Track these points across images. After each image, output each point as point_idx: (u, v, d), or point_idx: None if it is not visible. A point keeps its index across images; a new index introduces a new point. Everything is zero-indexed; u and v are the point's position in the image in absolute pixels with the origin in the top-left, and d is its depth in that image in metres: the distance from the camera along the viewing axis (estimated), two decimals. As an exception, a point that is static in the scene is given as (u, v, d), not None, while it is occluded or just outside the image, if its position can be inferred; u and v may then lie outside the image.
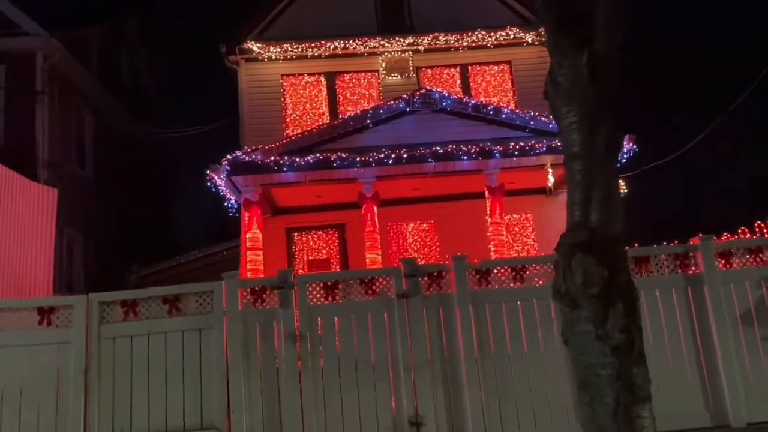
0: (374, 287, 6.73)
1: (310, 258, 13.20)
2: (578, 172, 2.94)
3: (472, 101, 11.45)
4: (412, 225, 13.57)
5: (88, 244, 15.67)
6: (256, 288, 6.71)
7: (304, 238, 13.36)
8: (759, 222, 7.87)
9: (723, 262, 7.08)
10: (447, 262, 6.84)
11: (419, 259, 12.73)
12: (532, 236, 13.57)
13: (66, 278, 14.52)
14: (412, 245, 13.51)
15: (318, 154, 10.44)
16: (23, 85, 13.77)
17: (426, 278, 6.76)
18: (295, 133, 13.25)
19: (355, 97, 14.04)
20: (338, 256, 13.26)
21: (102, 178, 17.03)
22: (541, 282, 6.75)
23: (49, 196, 9.55)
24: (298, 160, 10.27)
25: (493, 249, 10.91)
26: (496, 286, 6.78)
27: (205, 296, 6.67)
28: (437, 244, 13.35)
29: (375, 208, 10.55)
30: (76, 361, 6.39)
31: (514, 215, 13.23)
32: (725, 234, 7.65)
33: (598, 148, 2.90)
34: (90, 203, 15.68)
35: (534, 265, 6.90)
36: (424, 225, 13.55)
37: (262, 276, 9.79)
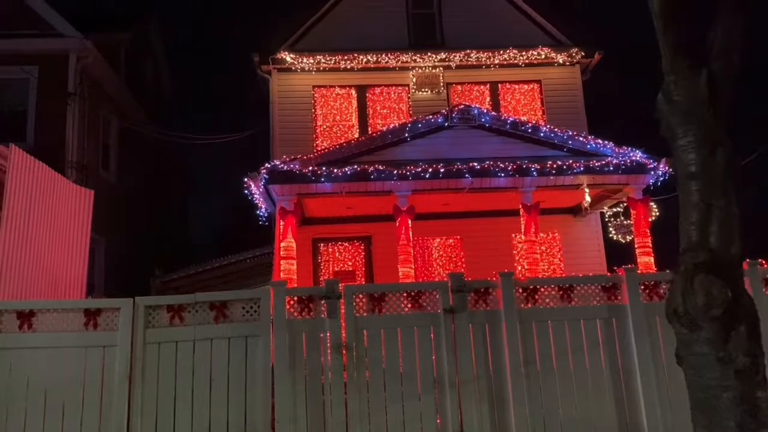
0: (420, 301, 6.69)
1: (336, 269, 13.17)
2: (696, 192, 2.92)
3: (511, 118, 11.47)
4: (438, 240, 13.55)
5: (109, 248, 15.67)
6: (303, 297, 6.67)
7: (330, 249, 13.34)
8: None
9: (770, 288, 7.02)
10: (494, 279, 6.79)
11: (444, 275, 12.76)
12: (559, 255, 13.53)
13: (88, 281, 14.51)
14: (438, 260, 13.48)
15: (356, 166, 10.45)
16: (55, 86, 13.87)
17: (473, 294, 6.71)
18: (325, 144, 13.30)
19: (385, 111, 14.09)
20: (363, 269, 13.23)
21: (124, 181, 17.09)
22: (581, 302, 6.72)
23: (86, 198, 9.54)
24: (336, 171, 10.28)
25: (526, 267, 10.87)
26: (543, 305, 6.75)
27: (252, 303, 6.61)
28: (463, 260, 13.32)
29: (410, 222, 10.52)
30: (120, 365, 6.32)
31: (541, 234, 13.20)
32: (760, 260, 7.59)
33: (717, 169, 2.88)
34: (112, 207, 15.70)
35: (581, 285, 6.86)
36: (451, 240, 13.53)
37: (296, 285, 9.76)
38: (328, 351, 6.45)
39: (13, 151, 7.66)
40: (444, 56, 14.18)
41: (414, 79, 14.21)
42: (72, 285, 9.10)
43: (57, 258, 8.77)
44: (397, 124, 11.83)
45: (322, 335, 6.49)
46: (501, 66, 14.35)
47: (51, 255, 8.62)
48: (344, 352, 6.43)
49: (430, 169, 10.48)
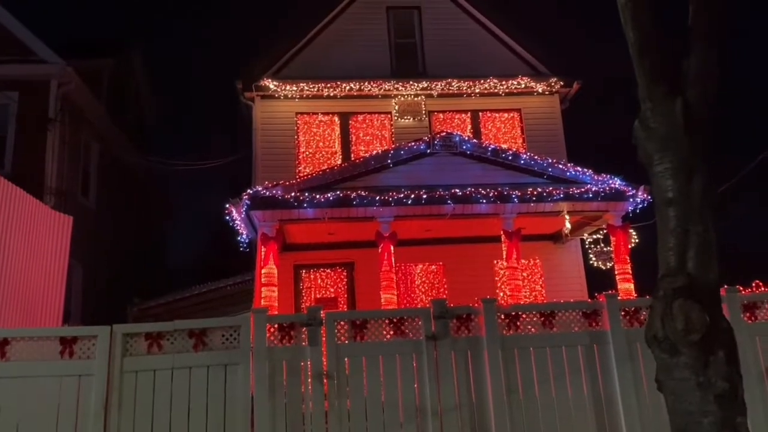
0: (403, 327, 6.64)
1: (318, 296, 13.09)
2: (673, 218, 2.96)
3: (492, 146, 11.60)
4: (421, 266, 13.55)
5: (87, 275, 15.43)
6: (284, 324, 6.59)
7: (312, 276, 13.26)
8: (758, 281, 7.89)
9: (748, 314, 7.10)
10: (476, 305, 6.78)
11: (427, 301, 12.73)
12: (540, 282, 13.59)
13: (64, 309, 14.24)
14: (420, 287, 13.46)
15: (338, 192, 10.46)
16: (36, 112, 13.78)
17: (455, 320, 6.68)
18: (307, 170, 13.32)
19: (367, 138, 14.18)
20: (346, 295, 13.16)
21: (103, 208, 16.92)
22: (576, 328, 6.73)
23: (65, 224, 9.42)
24: (318, 197, 10.28)
25: (508, 293, 10.89)
26: (525, 331, 6.74)
27: (232, 331, 6.52)
28: (445, 286, 13.31)
29: (392, 248, 10.52)
30: (97, 395, 6.17)
31: (523, 260, 13.24)
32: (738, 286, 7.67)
33: (694, 195, 2.93)
34: (91, 233, 15.50)
35: (563, 312, 6.86)
36: (433, 267, 13.53)
37: (277, 312, 9.66)
38: (309, 379, 6.37)
39: (-11, 176, 7.56)
40: (426, 85, 14.35)
41: (396, 107, 14.35)
42: (48, 312, 8.93)
43: (33, 285, 8.62)
44: (379, 151, 11.91)
45: (302, 363, 6.40)
46: (482, 95, 14.55)
47: (27, 281, 8.46)
48: (325, 380, 6.35)
49: (413, 196, 10.53)
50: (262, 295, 10.07)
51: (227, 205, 10.74)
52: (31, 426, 6.06)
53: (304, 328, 6.51)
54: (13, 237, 8.14)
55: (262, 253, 10.24)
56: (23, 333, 6.55)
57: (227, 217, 11.14)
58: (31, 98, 13.83)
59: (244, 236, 12.31)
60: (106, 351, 6.31)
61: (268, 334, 6.47)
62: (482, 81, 14.43)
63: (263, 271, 10.21)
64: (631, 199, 11.31)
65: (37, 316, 8.64)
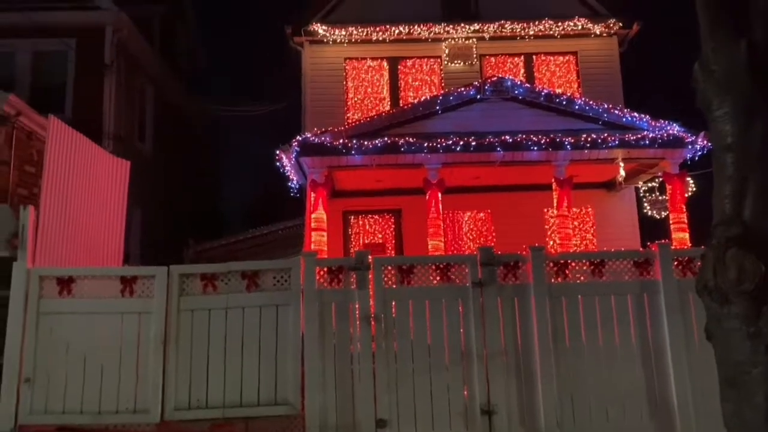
0: (449, 274, 6.70)
1: (366, 242, 13.25)
2: (731, 165, 2.84)
3: (545, 90, 11.26)
4: (469, 214, 13.49)
5: (145, 219, 15.99)
6: (333, 268, 6.75)
7: (360, 222, 13.41)
8: None
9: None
10: (523, 253, 6.76)
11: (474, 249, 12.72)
12: (592, 231, 13.36)
13: (124, 250, 14.83)
14: (468, 234, 13.43)
15: (386, 138, 10.42)
16: (92, 58, 14.10)
17: (502, 268, 6.69)
18: (356, 116, 13.28)
19: (416, 83, 13.97)
20: (393, 241, 13.28)
21: (159, 153, 17.35)
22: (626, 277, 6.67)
23: (123, 168, 9.72)
24: (366, 143, 10.27)
25: (558, 242, 10.77)
26: (573, 280, 6.70)
27: (283, 273, 6.73)
28: (493, 234, 13.25)
29: (439, 195, 10.49)
30: (155, 331, 6.53)
31: (574, 209, 13.03)
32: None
33: (754, 141, 2.81)
34: (147, 178, 15.94)
35: (613, 260, 6.77)
36: (481, 214, 13.46)
37: (326, 256, 9.86)
38: (357, 321, 6.54)
39: (51, 122, 7.82)
40: (477, 27, 13.93)
41: (446, 51, 14.03)
42: (109, 253, 9.32)
43: (95, 226, 8.98)
44: (428, 97, 11.74)
45: (351, 305, 6.57)
46: (536, 37, 14.04)
47: (89, 223, 8.82)
48: (373, 322, 6.51)
49: (461, 142, 10.39)
50: (312, 240, 10.27)
51: (277, 152, 10.86)
52: (97, 358, 6.47)
53: (352, 272, 6.66)
54: (74, 180, 8.45)
55: (312, 199, 10.39)
56: (87, 272, 6.92)
57: (278, 163, 11.29)
58: (88, 45, 14.14)
59: (295, 182, 12.47)
60: (163, 290, 6.62)
61: (317, 277, 6.65)
62: (536, 22, 13.90)
63: (313, 216, 10.38)
64: (690, 146, 10.87)
65: (100, 257, 9.04)
